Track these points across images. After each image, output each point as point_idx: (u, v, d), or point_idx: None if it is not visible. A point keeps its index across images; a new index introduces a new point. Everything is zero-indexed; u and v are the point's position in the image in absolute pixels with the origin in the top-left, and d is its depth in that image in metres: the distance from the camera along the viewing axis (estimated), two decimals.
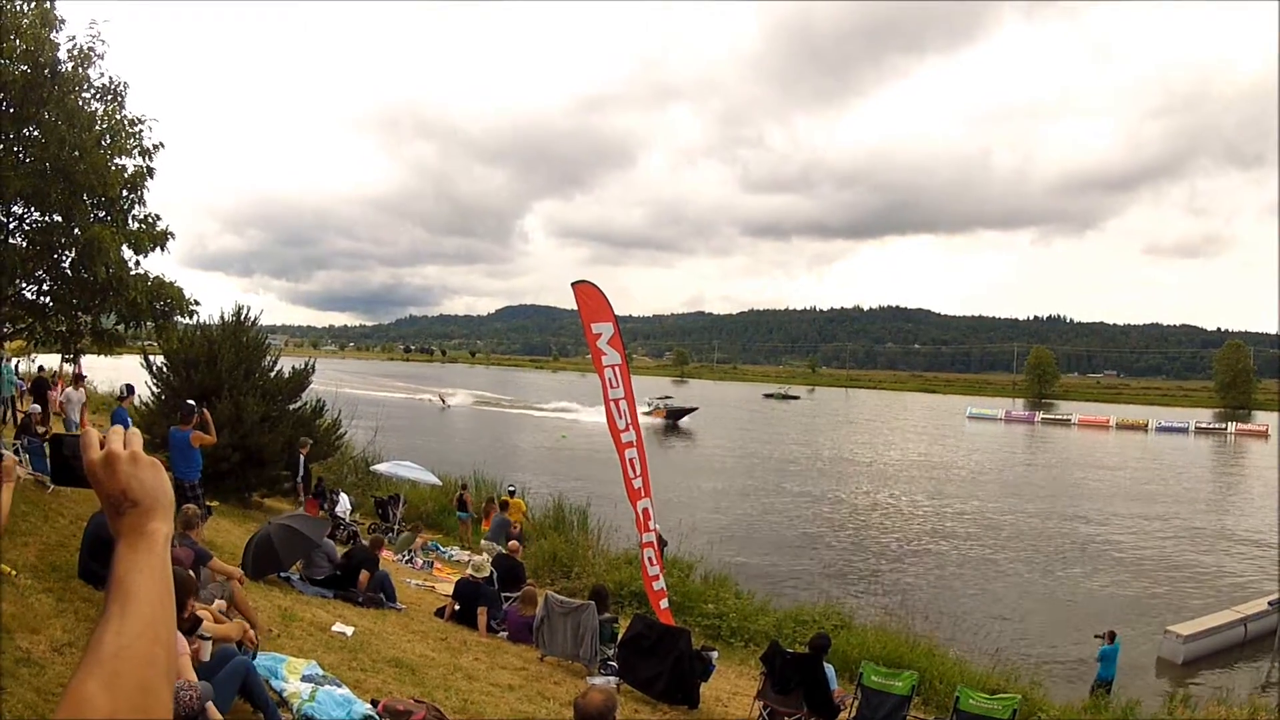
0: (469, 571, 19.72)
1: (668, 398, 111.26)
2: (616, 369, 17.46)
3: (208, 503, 20.31)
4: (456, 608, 18.20)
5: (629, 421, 17.55)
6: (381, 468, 34.39)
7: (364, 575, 17.92)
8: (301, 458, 27.15)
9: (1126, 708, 19.83)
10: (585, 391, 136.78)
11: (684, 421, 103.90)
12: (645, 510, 17.88)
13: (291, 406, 29.61)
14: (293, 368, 30.21)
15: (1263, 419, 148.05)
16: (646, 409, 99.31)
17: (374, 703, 9.96)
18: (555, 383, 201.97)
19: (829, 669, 15.15)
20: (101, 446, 1.88)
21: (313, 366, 31.10)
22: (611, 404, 17.46)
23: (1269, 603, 28.71)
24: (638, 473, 17.69)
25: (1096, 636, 22.81)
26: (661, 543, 21.88)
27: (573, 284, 17.38)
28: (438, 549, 29.13)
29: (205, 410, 19.07)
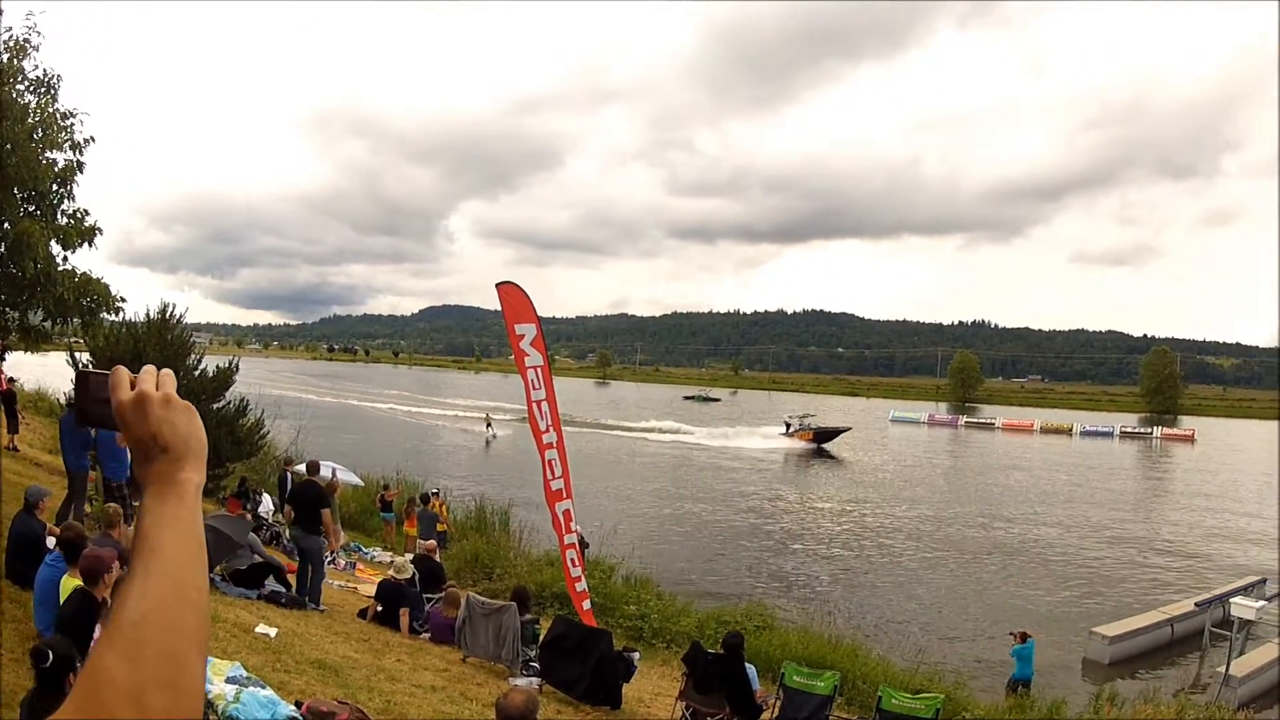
0: (391, 573, 19.64)
1: (809, 415, 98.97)
2: (539, 370, 17.39)
3: (135, 503, 20.09)
4: (379, 609, 18.05)
5: (550, 423, 17.49)
6: (302, 468, 34.13)
7: (326, 514, 17.87)
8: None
9: (1053, 707, 19.99)
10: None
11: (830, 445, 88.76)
12: (566, 512, 17.89)
13: (215, 406, 29.31)
14: (217, 366, 29.93)
15: (1189, 423, 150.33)
16: (786, 431, 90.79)
17: (298, 704, 9.87)
18: (478, 384, 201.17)
19: (750, 669, 15.15)
20: (132, 387, 1.73)
21: (236, 365, 30.82)
22: (534, 405, 17.35)
23: (1195, 604, 29.12)
24: (558, 474, 17.67)
25: (1010, 634, 23.10)
26: (583, 544, 21.90)
27: (497, 285, 17.27)
28: (360, 550, 28.96)
29: None
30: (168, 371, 1.79)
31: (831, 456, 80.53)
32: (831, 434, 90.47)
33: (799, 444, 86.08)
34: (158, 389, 1.73)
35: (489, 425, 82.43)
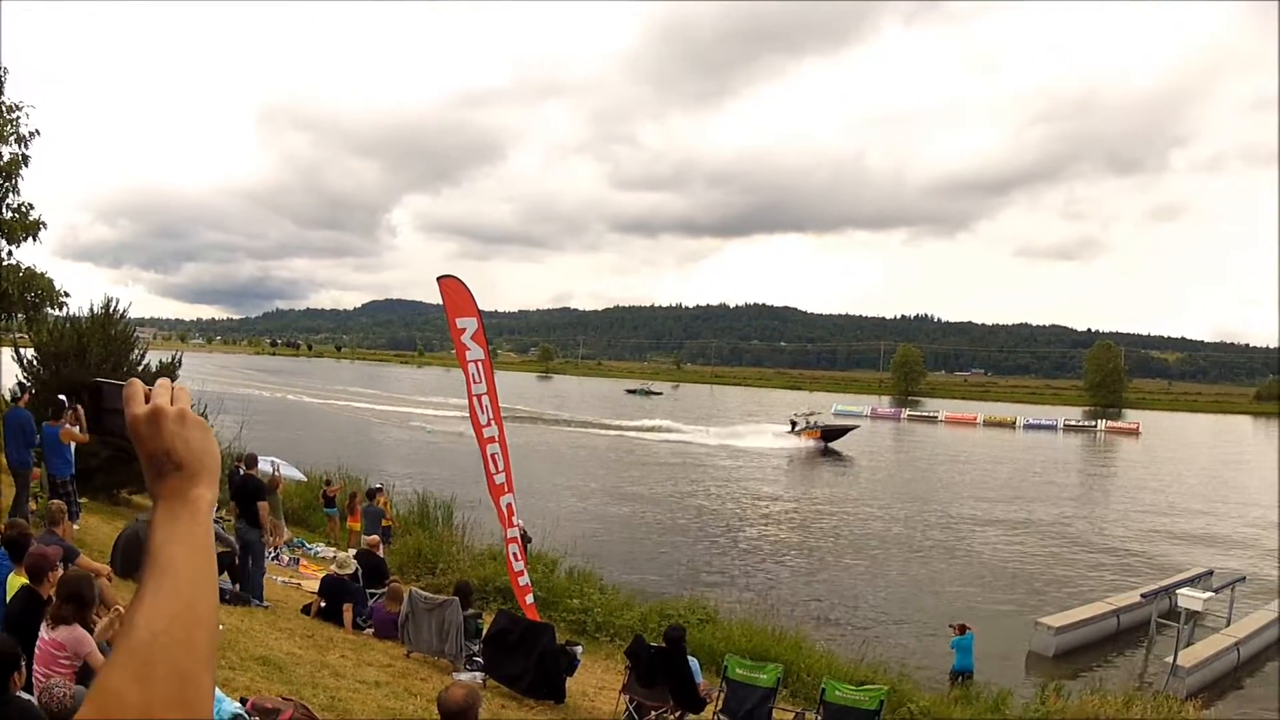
0: (334, 568, 19.58)
1: (814, 413, 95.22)
2: (480, 364, 17.39)
3: (80, 500, 19.92)
4: (323, 605, 17.95)
5: (491, 416, 17.46)
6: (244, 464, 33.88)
7: (263, 507, 17.81)
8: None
9: (998, 698, 20.20)
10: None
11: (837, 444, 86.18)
12: (509, 506, 17.82)
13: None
14: (160, 361, 29.70)
15: (1134, 417, 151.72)
16: (793, 429, 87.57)
17: (243, 701, 9.86)
18: (421, 378, 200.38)
19: (693, 662, 15.30)
20: (147, 400, 1.73)
21: (179, 360, 30.58)
22: (474, 399, 17.36)
23: (1141, 595, 29.10)
24: (500, 468, 17.64)
25: (950, 626, 23.28)
26: (525, 538, 21.91)
27: (438, 278, 17.25)
28: (303, 545, 28.83)
29: (79, 406, 18.75)
30: (183, 386, 1.80)
31: (838, 455, 79.18)
32: (839, 432, 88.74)
33: (806, 443, 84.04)
34: (172, 404, 1.74)
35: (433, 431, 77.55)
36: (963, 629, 22.67)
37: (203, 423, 1.75)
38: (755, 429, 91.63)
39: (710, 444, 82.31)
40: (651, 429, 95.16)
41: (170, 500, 1.65)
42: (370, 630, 17.60)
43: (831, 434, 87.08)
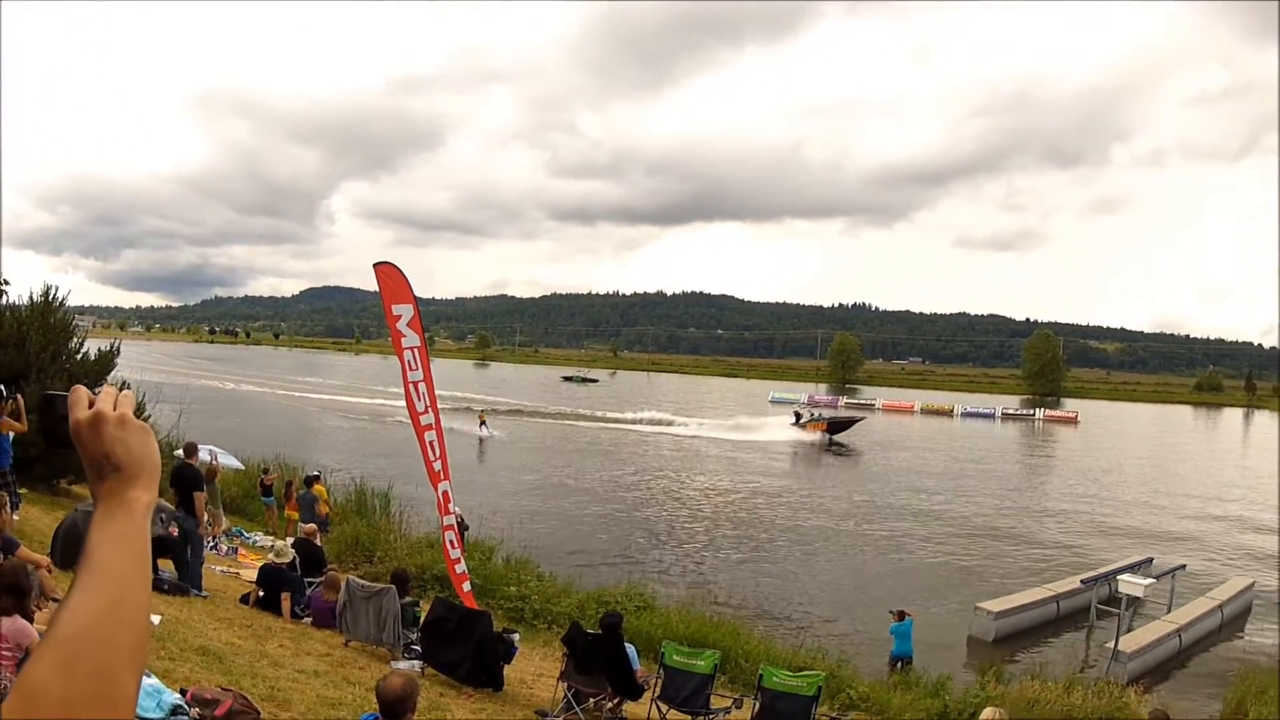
0: (271, 557, 19.54)
1: (819, 406, 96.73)
2: (416, 351, 17.29)
3: (20, 490, 19.74)
4: (261, 594, 17.86)
5: (428, 404, 17.38)
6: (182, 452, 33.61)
7: (199, 496, 17.66)
8: None
9: (938, 683, 20.26)
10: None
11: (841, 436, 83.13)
12: (445, 493, 17.71)
13: (96, 390, 28.80)
14: (99, 350, 29.43)
15: (1072, 406, 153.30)
16: (797, 422, 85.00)
17: (183, 692, 9.82)
18: (359, 365, 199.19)
19: (631, 649, 15.34)
20: (91, 406, 1.79)
21: (118, 349, 30.28)
22: (410, 386, 17.28)
23: (1081, 581, 29.56)
24: (437, 455, 17.55)
25: (890, 613, 23.46)
26: (463, 526, 21.92)
27: (375, 265, 17.12)
28: (242, 534, 28.68)
29: (19, 396, 18.60)
30: (128, 393, 1.88)
31: (843, 447, 78.02)
32: (845, 424, 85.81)
33: (812, 435, 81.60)
34: (115, 409, 1.79)
35: (483, 424, 73.15)
36: (901, 615, 22.85)
37: (144, 427, 1.82)
38: (761, 421, 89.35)
39: (718, 437, 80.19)
40: (648, 422, 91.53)
41: (108, 501, 1.71)
42: (308, 619, 17.53)
43: (838, 426, 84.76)
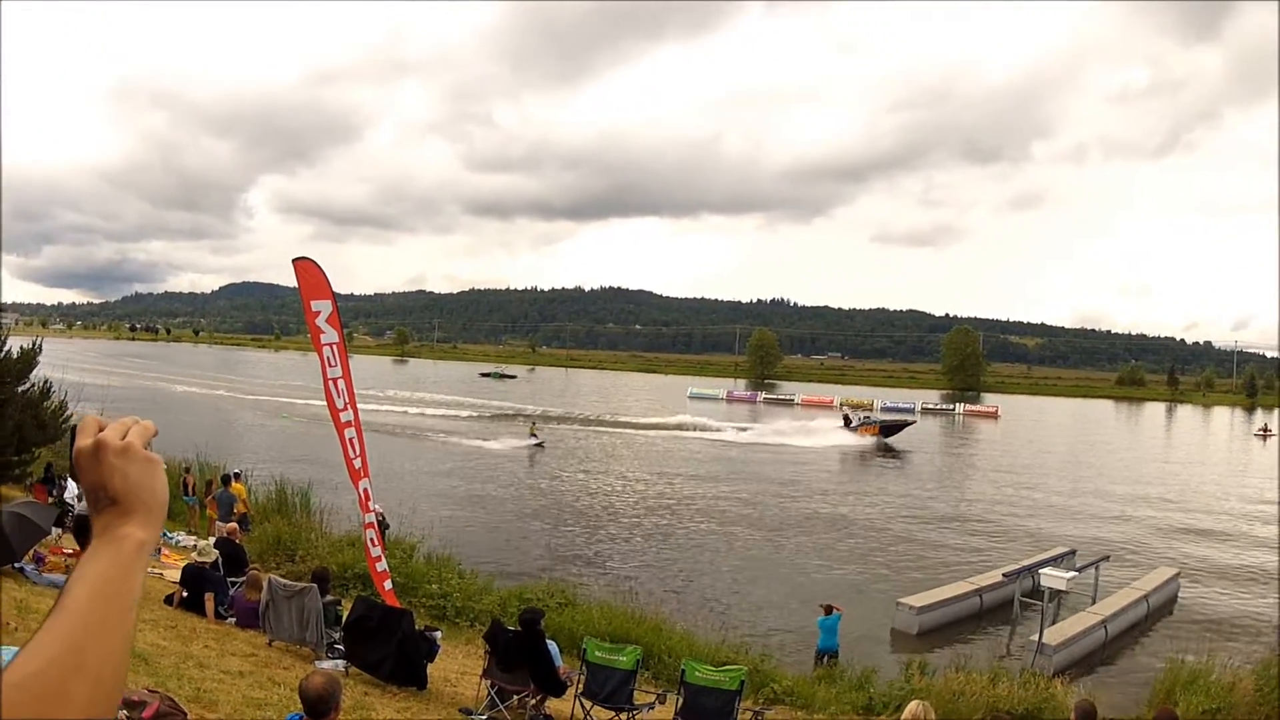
0: (195, 556, 19.35)
1: (868, 408, 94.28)
2: (334, 348, 17.13)
3: None
4: (185, 594, 17.63)
5: (347, 401, 17.24)
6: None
7: None
8: None
9: (863, 676, 20.32)
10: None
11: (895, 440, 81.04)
12: (366, 491, 17.65)
13: (20, 389, 28.41)
14: (20, 348, 29.01)
15: (992, 400, 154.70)
16: (849, 425, 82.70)
17: None
18: (278, 362, 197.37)
19: (553, 646, 15.28)
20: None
21: (40, 346, 29.84)
22: (330, 383, 17.12)
23: (1004, 574, 29.51)
24: (357, 452, 17.41)
25: (820, 607, 23.55)
26: (383, 524, 21.82)
27: (293, 261, 16.95)
28: (165, 535, 28.34)
29: None
30: (144, 424, 1.75)
31: (895, 453, 76.07)
32: (898, 427, 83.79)
33: (865, 439, 78.86)
34: (124, 438, 1.68)
35: (534, 434, 68.64)
36: (829, 609, 22.88)
37: (150, 458, 1.71)
38: (813, 426, 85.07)
39: (771, 443, 76.98)
40: (692, 427, 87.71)
41: (100, 537, 1.60)
42: (232, 619, 17.33)
43: (890, 429, 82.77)
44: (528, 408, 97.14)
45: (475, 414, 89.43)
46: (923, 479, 59.05)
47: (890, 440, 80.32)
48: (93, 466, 1.65)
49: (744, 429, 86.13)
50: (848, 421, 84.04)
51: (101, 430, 1.69)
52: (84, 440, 1.68)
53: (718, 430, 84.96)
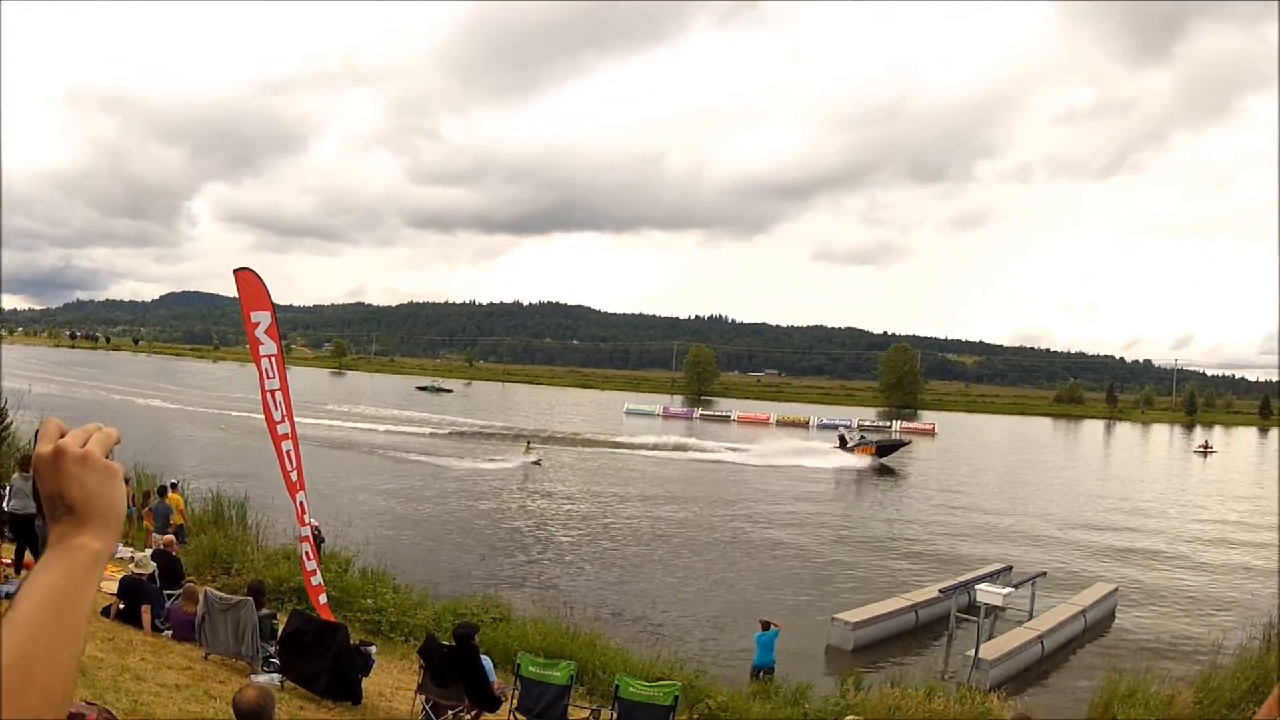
0: (132, 568, 19.28)
1: (865, 429, 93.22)
2: (273, 359, 17.09)
3: None
4: (122, 606, 17.55)
5: (285, 413, 17.23)
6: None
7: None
8: None
9: (797, 692, 20.38)
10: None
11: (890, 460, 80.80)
12: (302, 504, 17.66)
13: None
14: None
15: (930, 418, 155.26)
16: (845, 445, 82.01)
17: None
18: (217, 373, 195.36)
19: (487, 661, 15.36)
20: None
21: None
22: (268, 395, 17.07)
23: (940, 590, 29.55)
24: (294, 465, 17.38)
25: (760, 622, 23.65)
26: (319, 538, 21.80)
27: (235, 271, 16.89)
28: None
29: None
30: (109, 431, 1.72)
31: (891, 472, 76.60)
32: (894, 447, 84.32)
33: (863, 460, 78.07)
34: (84, 446, 1.64)
35: (529, 450, 68.22)
36: (766, 625, 22.98)
37: (110, 467, 1.67)
38: (808, 447, 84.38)
39: (758, 464, 75.13)
40: (704, 449, 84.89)
41: (54, 546, 1.56)
42: (168, 632, 17.25)
43: (886, 449, 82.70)
44: (464, 421, 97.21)
45: (418, 430, 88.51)
46: (859, 495, 59.33)
47: (886, 460, 79.91)
48: (51, 474, 1.62)
49: (739, 449, 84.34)
50: (844, 442, 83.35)
51: (63, 436, 1.66)
52: (44, 446, 1.64)
53: (714, 452, 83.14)
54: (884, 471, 77.00)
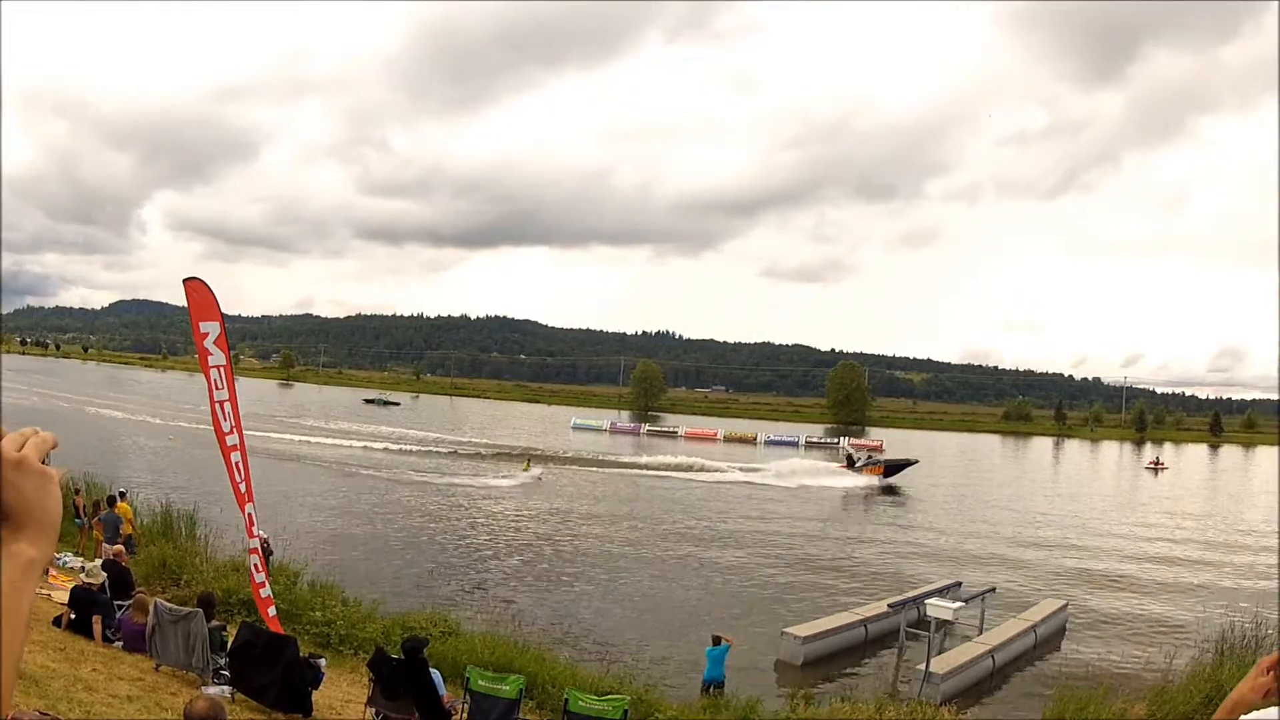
0: (82, 578, 19.19)
1: (872, 449, 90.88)
2: (222, 370, 16.97)
3: None
4: (73, 616, 17.43)
5: (233, 424, 17.12)
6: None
7: None
8: None
9: (747, 706, 20.32)
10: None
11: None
12: (251, 515, 17.52)
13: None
14: None
15: (877, 434, 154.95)
16: (852, 465, 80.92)
17: None
18: (165, 382, 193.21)
19: (436, 674, 15.40)
20: None
21: None
22: (216, 406, 16.94)
23: (889, 605, 29.30)
24: (243, 476, 17.27)
25: (713, 636, 23.65)
26: (267, 550, 21.74)
27: (184, 280, 16.77)
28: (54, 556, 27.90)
29: None
30: (46, 436, 1.69)
31: (895, 491, 74.94)
32: (901, 466, 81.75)
33: (871, 480, 77.07)
34: (20, 450, 1.62)
35: (529, 467, 67.70)
36: (718, 640, 22.94)
37: (46, 473, 1.64)
38: (811, 467, 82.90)
39: (778, 485, 73.64)
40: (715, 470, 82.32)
41: None
42: (119, 643, 17.16)
43: (893, 469, 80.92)
44: (430, 434, 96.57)
45: (368, 443, 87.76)
46: (807, 513, 58.49)
47: (892, 479, 78.70)
48: None
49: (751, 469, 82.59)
50: (851, 462, 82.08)
51: None
52: None
53: (721, 471, 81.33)
54: (829, 487, 75.56)
